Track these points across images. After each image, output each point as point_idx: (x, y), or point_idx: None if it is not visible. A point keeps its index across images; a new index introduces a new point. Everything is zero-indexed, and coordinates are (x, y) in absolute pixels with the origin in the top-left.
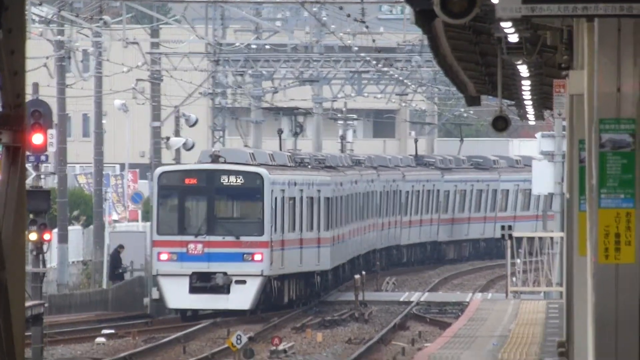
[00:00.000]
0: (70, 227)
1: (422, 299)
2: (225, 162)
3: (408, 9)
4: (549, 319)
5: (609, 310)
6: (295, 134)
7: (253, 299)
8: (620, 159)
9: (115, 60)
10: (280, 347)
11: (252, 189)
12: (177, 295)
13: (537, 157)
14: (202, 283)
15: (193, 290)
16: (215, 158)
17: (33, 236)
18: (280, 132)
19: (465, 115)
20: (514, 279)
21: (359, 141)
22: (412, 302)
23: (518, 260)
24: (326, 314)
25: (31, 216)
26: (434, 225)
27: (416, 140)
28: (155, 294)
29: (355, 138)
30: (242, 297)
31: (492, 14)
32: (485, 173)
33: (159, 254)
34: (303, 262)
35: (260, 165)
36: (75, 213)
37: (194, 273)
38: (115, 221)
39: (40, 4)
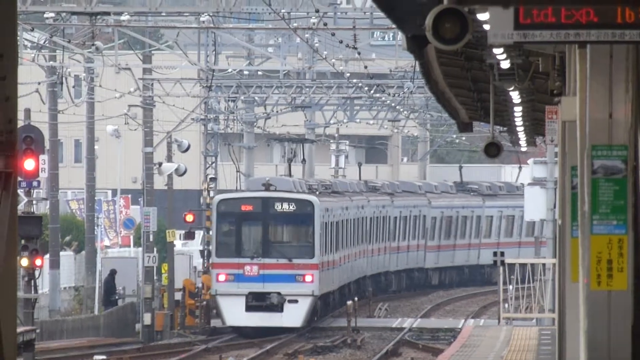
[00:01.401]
0: (62, 253)
1: (414, 325)
2: (276, 190)
3: (400, 35)
4: (541, 346)
5: (602, 336)
6: (289, 160)
7: (304, 316)
8: (612, 185)
9: (108, 86)
10: None
11: (304, 215)
12: (234, 313)
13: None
14: (257, 302)
15: (249, 308)
16: (267, 186)
17: (25, 262)
18: (289, 160)
19: (457, 141)
20: (506, 305)
21: (351, 167)
22: (404, 328)
23: (510, 287)
24: (319, 340)
25: (23, 242)
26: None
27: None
28: (147, 320)
29: (347, 164)
30: (294, 315)
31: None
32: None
33: (217, 275)
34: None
35: (308, 192)
36: (67, 239)
37: (250, 293)
38: (107, 247)
39: (32, 30)
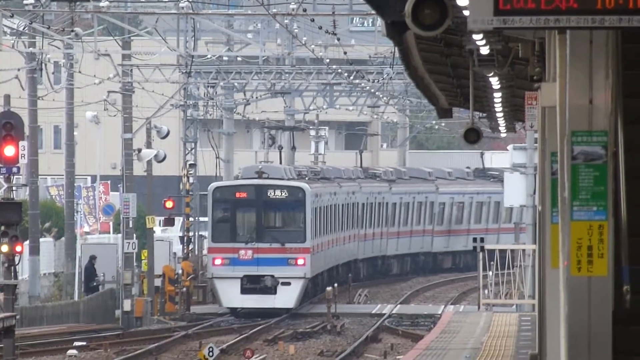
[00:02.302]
0: (41, 239)
1: (394, 311)
2: (268, 177)
3: (379, 21)
4: (521, 332)
5: (582, 322)
6: (279, 147)
7: (297, 298)
8: (592, 171)
9: (87, 72)
10: (253, 359)
11: (295, 201)
12: (230, 295)
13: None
14: (252, 285)
15: (244, 291)
16: (260, 174)
17: (4, 248)
18: (280, 147)
19: (436, 127)
20: (486, 291)
21: (331, 153)
22: (384, 314)
23: (490, 273)
24: (298, 326)
25: (2, 228)
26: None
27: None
28: (126, 306)
29: (327, 150)
30: (287, 297)
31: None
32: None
33: (213, 259)
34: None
35: (299, 179)
36: (47, 225)
37: (244, 276)
38: (87, 233)
39: (11, 16)
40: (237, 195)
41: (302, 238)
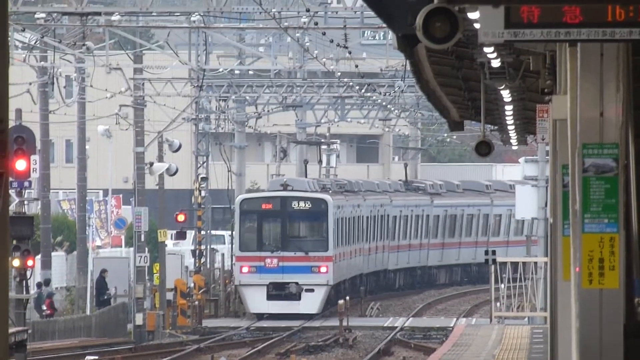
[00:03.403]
0: (53, 253)
1: (406, 324)
2: (292, 190)
3: (391, 35)
4: (533, 344)
5: (593, 335)
6: (305, 162)
7: (320, 304)
8: (603, 183)
9: (98, 86)
10: None
11: (318, 212)
12: (256, 301)
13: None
14: (277, 291)
15: (270, 297)
16: (285, 186)
17: (16, 262)
18: (305, 162)
19: (448, 140)
20: (498, 304)
21: (343, 166)
22: (396, 327)
23: (502, 285)
24: (310, 340)
25: (14, 242)
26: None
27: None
28: (138, 320)
29: (339, 163)
30: (311, 303)
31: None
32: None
33: (240, 267)
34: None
35: (322, 191)
36: (59, 239)
37: (270, 283)
38: (99, 247)
39: (23, 30)
40: (264, 206)
41: (325, 247)
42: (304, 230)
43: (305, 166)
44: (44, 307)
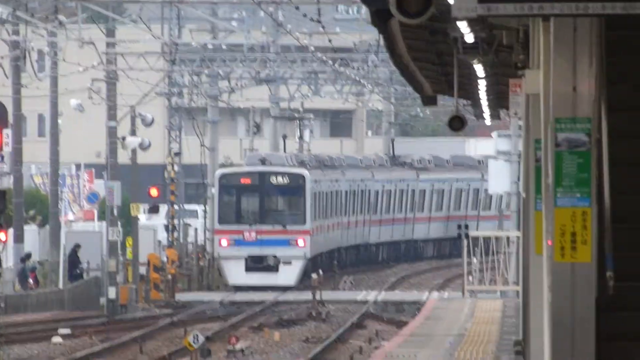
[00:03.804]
0: (26, 227)
1: (379, 298)
2: (270, 164)
3: (364, 9)
4: (505, 318)
5: (565, 309)
6: (284, 137)
7: (297, 276)
8: (576, 158)
9: (71, 60)
10: (238, 347)
11: (296, 187)
12: (235, 274)
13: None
14: (255, 264)
15: (248, 269)
16: (263, 161)
17: None
18: (284, 137)
19: (421, 115)
20: (470, 278)
21: (316, 141)
22: (369, 301)
23: (474, 260)
24: (284, 313)
25: None
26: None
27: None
28: (111, 294)
29: (312, 138)
30: (288, 275)
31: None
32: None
33: (220, 240)
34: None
35: (300, 166)
36: (31, 213)
37: (249, 256)
38: (71, 221)
39: None
40: (242, 181)
41: (303, 221)
42: (281, 204)
43: (284, 141)
44: (30, 281)
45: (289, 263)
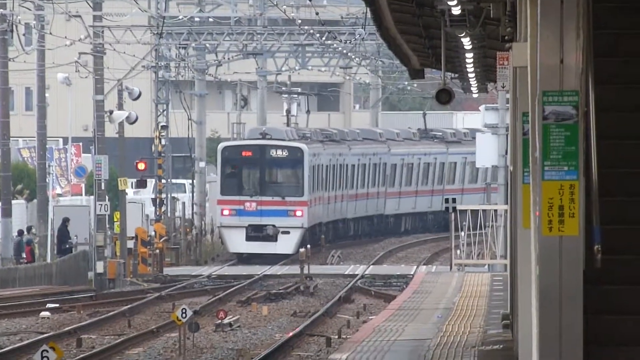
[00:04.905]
0: (13, 201)
1: (366, 272)
2: (271, 138)
3: None
4: (493, 292)
5: (553, 282)
6: (287, 112)
7: (295, 245)
8: (563, 131)
9: (58, 33)
10: (226, 321)
11: (295, 160)
12: (236, 242)
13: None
14: (255, 233)
15: (248, 238)
16: (264, 135)
17: None
18: (288, 112)
19: (409, 88)
20: (458, 251)
21: (303, 114)
22: (357, 275)
23: (462, 233)
24: (271, 287)
25: None
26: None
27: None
28: (99, 268)
29: (299, 111)
30: (287, 244)
31: None
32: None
33: (222, 210)
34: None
35: (299, 140)
36: (19, 187)
37: (249, 225)
38: (59, 195)
39: None
40: (243, 153)
41: (300, 192)
42: (280, 176)
43: (287, 116)
44: (24, 255)
45: (288, 233)
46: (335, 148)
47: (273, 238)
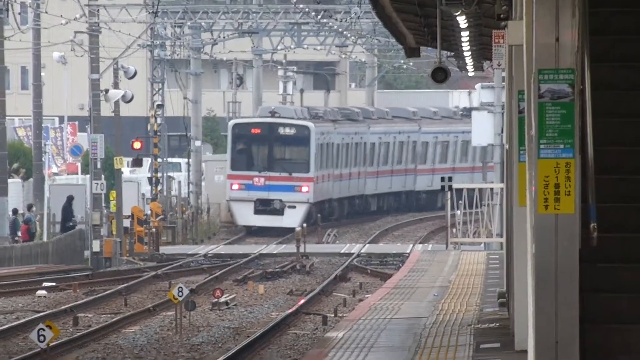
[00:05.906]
0: (9, 180)
1: (362, 251)
2: (280, 117)
3: None
4: (489, 270)
5: (549, 260)
6: (237, 86)
7: (301, 219)
8: (559, 109)
9: (53, 12)
10: (222, 299)
11: (302, 137)
12: (245, 215)
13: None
14: (263, 207)
15: (257, 212)
16: (273, 113)
17: None
18: (301, 91)
19: (405, 67)
20: (454, 230)
21: (299, 93)
22: (353, 253)
23: (458, 212)
24: (268, 266)
25: None
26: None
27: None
28: (95, 247)
29: (295, 90)
30: (293, 218)
31: None
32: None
33: (231, 184)
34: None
35: (309, 119)
36: (15, 166)
37: (257, 199)
38: (55, 174)
39: None
40: (253, 131)
41: (307, 169)
42: (288, 153)
43: (301, 95)
44: (19, 234)
45: (294, 207)
46: (350, 127)
47: (280, 212)
